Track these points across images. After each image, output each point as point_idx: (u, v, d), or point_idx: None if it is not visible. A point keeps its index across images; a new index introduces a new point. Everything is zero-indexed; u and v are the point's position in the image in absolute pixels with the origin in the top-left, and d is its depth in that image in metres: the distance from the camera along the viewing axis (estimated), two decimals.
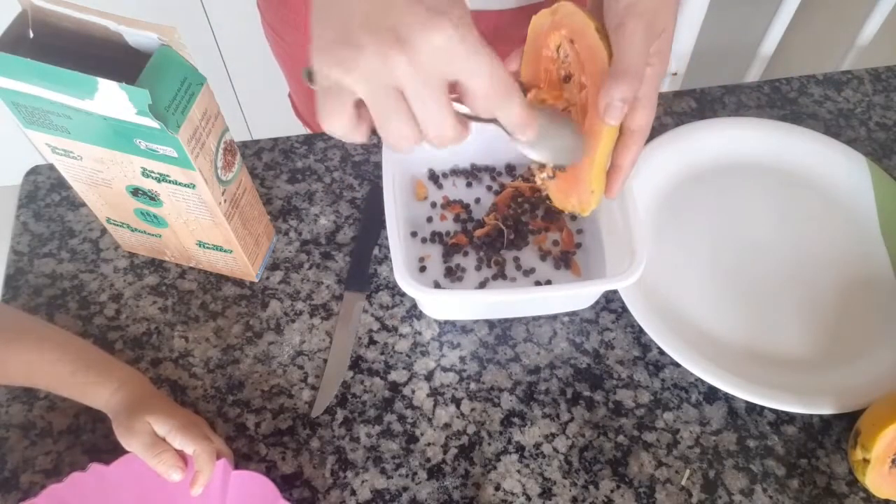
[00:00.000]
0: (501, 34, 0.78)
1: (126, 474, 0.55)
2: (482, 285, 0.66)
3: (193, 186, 0.55)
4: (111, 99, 0.47)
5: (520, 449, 0.60)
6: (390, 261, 0.62)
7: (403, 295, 0.67)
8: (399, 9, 0.36)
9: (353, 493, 0.58)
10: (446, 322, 0.66)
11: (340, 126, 0.41)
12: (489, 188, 0.72)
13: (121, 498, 0.55)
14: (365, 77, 0.37)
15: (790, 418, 0.62)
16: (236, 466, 0.59)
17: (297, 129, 0.99)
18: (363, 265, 0.68)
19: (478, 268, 0.67)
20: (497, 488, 0.58)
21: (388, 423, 0.61)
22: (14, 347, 0.55)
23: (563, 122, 0.51)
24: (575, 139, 0.50)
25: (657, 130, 0.76)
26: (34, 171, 0.75)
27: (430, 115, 0.39)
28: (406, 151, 0.42)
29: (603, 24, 0.48)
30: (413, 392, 0.63)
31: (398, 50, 0.36)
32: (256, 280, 0.68)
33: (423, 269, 0.67)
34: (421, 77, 0.37)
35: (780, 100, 0.81)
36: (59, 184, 0.74)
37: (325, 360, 0.64)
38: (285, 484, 0.58)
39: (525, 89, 0.53)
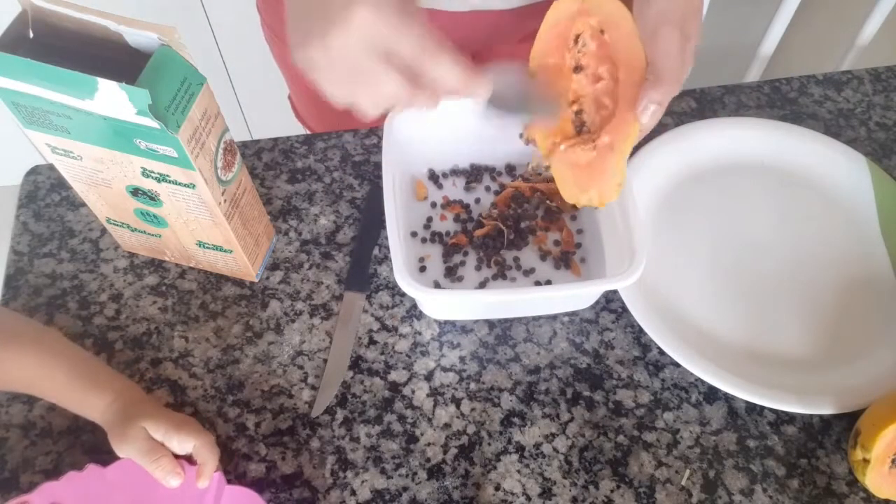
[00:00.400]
0: (502, 34, 0.78)
1: (123, 477, 0.55)
2: (482, 285, 0.66)
3: (193, 186, 0.55)
4: (111, 99, 0.47)
5: (520, 449, 0.60)
6: (390, 261, 0.62)
7: (403, 295, 0.67)
8: (323, 5, 0.41)
9: (353, 493, 0.58)
10: (446, 322, 0.66)
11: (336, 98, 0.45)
12: (489, 188, 0.72)
13: (116, 499, 0.55)
14: (319, 70, 0.43)
15: (790, 418, 0.62)
16: (236, 467, 0.59)
17: (297, 129, 0.99)
18: (363, 265, 0.68)
19: (478, 268, 0.67)
20: (497, 488, 0.58)
21: (388, 423, 0.61)
22: (11, 354, 0.55)
23: (535, 87, 0.52)
24: (550, 100, 0.52)
25: (657, 130, 0.76)
26: (34, 171, 0.75)
27: (380, 86, 0.43)
28: (375, 120, 0.46)
29: None
30: (413, 392, 0.63)
31: (332, 32, 0.41)
32: (256, 280, 0.68)
33: (423, 269, 0.67)
34: (359, 52, 0.41)
35: (780, 100, 0.81)
36: (59, 184, 0.74)
37: (325, 360, 0.64)
38: (285, 484, 0.58)
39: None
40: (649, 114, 0.50)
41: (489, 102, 0.48)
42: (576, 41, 0.52)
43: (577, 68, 0.53)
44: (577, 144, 0.54)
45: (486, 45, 0.84)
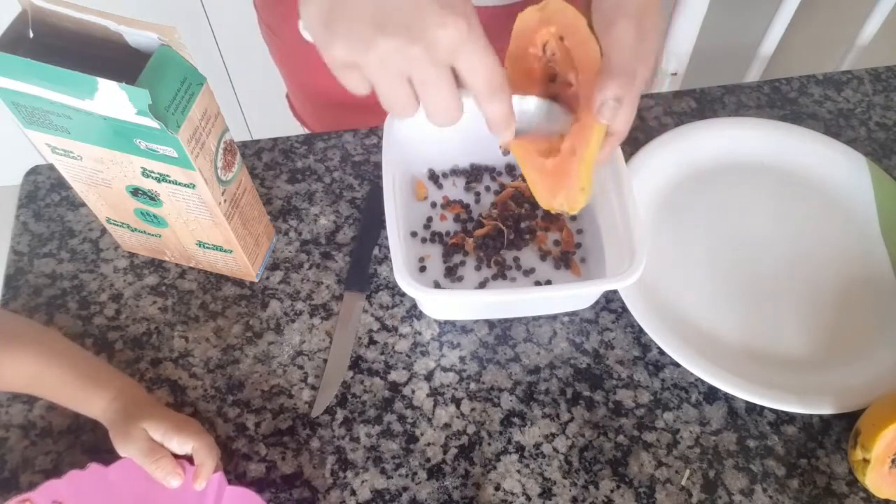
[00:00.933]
0: (494, 31, 0.78)
1: (124, 476, 0.55)
2: (482, 285, 0.66)
3: (193, 186, 0.55)
4: (111, 99, 0.47)
5: (520, 449, 0.60)
6: (390, 261, 0.62)
7: (403, 295, 0.67)
8: (412, 6, 0.40)
9: (353, 493, 0.58)
10: (446, 322, 0.66)
11: (360, 90, 0.45)
12: (489, 188, 0.72)
13: (118, 499, 0.55)
14: (376, 66, 0.42)
15: (790, 418, 0.62)
16: (236, 467, 0.59)
17: (297, 129, 0.99)
18: (363, 265, 0.68)
19: (478, 268, 0.67)
20: (497, 488, 0.58)
21: (388, 423, 0.61)
22: (12, 354, 0.55)
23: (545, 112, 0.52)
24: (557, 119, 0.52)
25: (657, 130, 0.76)
26: (34, 171, 0.75)
27: (436, 100, 0.43)
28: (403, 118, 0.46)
29: (591, 24, 0.49)
30: (413, 392, 0.63)
31: (412, 43, 0.40)
32: (256, 280, 0.68)
33: (423, 269, 0.67)
34: (433, 67, 0.41)
35: (780, 100, 0.81)
36: (59, 184, 0.74)
37: (325, 360, 0.64)
38: (285, 484, 0.58)
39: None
40: (608, 111, 0.47)
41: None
42: (544, 50, 0.52)
43: (553, 77, 0.52)
44: (544, 151, 0.53)
45: None
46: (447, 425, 0.61)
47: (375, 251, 0.70)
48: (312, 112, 0.94)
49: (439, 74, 0.42)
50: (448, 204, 0.71)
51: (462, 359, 0.64)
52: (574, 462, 0.60)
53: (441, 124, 0.45)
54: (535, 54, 0.52)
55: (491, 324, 0.66)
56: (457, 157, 0.73)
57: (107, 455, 0.55)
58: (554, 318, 0.66)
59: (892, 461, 0.56)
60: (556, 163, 0.52)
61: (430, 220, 0.70)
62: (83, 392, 0.56)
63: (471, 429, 0.61)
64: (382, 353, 0.64)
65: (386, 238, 0.68)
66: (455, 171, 0.73)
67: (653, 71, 0.49)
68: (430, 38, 0.40)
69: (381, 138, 0.76)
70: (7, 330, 0.57)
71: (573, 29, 0.49)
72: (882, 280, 0.68)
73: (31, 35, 0.50)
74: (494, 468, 0.59)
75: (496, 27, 0.77)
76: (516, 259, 0.68)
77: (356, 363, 0.64)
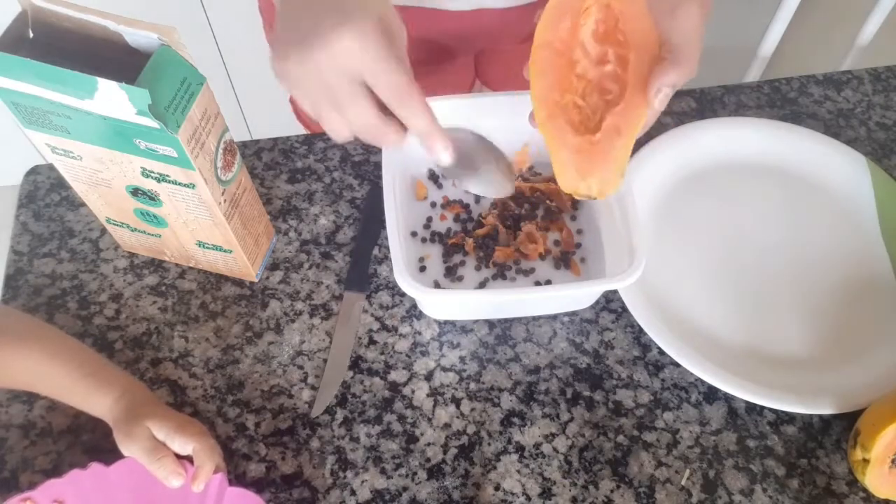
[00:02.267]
0: (505, 33, 0.78)
1: (126, 476, 0.55)
2: (482, 285, 0.66)
3: (193, 186, 0.55)
4: (111, 99, 0.47)
5: (520, 449, 0.60)
6: (390, 261, 0.62)
7: (403, 295, 0.67)
8: (315, 17, 0.42)
9: (353, 493, 0.58)
10: (446, 322, 0.66)
11: (309, 111, 0.46)
12: None
13: (119, 499, 0.55)
14: (292, 81, 0.44)
15: (790, 418, 0.62)
16: (236, 467, 0.59)
17: (297, 129, 0.99)
18: (363, 265, 0.68)
19: (478, 268, 0.67)
20: (497, 488, 0.58)
21: (388, 423, 0.61)
22: (18, 352, 0.55)
23: (491, 155, 0.52)
24: (504, 175, 0.52)
25: (657, 130, 0.76)
26: (34, 171, 0.75)
27: (349, 113, 0.44)
28: (344, 142, 0.47)
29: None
30: (413, 392, 0.63)
31: (315, 49, 0.41)
32: (256, 280, 0.68)
33: (423, 269, 0.67)
34: (335, 76, 0.42)
35: (780, 100, 0.81)
36: (59, 184, 0.74)
37: (325, 360, 0.64)
38: (285, 484, 0.58)
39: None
40: (664, 98, 0.47)
41: (447, 167, 0.49)
42: (582, 17, 0.49)
43: (583, 54, 0.50)
44: (581, 128, 0.51)
45: (489, 44, 0.84)
46: (447, 425, 0.61)
47: (375, 251, 0.70)
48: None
49: (353, 90, 0.42)
50: (448, 204, 0.71)
51: (462, 359, 0.64)
52: (574, 462, 0.60)
53: (372, 142, 0.46)
54: (573, 22, 0.49)
55: (491, 324, 0.66)
56: None
57: (107, 455, 0.55)
58: (554, 318, 0.66)
59: (892, 461, 0.56)
60: (597, 142, 0.49)
61: (430, 219, 0.70)
62: (88, 390, 0.56)
63: (471, 429, 0.61)
64: (382, 353, 0.64)
65: (386, 238, 0.68)
66: None
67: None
68: (329, 44, 0.41)
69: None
70: (13, 327, 0.57)
71: (630, 1, 0.48)
72: (882, 280, 0.68)
73: (31, 35, 0.50)
74: (494, 468, 0.59)
75: (507, 29, 0.77)
76: (516, 259, 0.68)
77: (356, 363, 0.64)
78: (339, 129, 0.45)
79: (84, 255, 0.69)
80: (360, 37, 0.41)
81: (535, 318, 0.66)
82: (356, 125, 0.45)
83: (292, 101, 0.99)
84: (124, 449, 0.54)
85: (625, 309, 0.65)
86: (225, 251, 0.64)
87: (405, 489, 0.58)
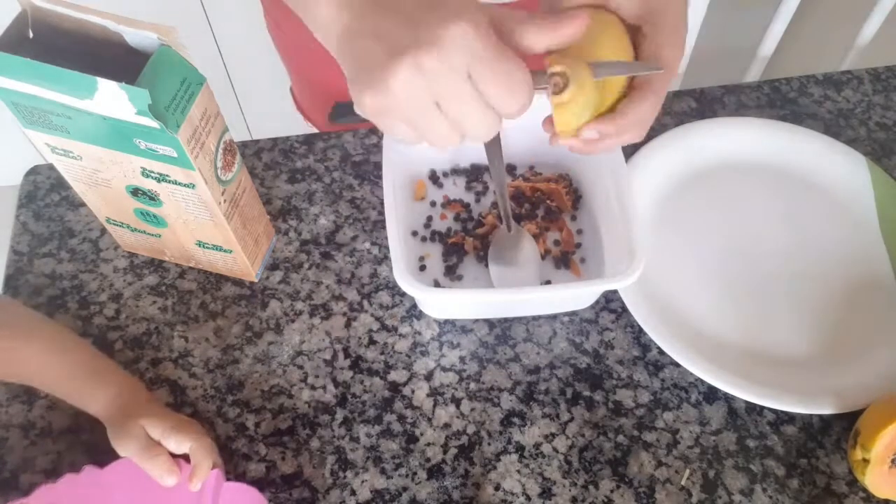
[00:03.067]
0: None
1: (120, 478, 0.55)
2: (482, 285, 0.66)
3: (193, 186, 0.55)
4: (111, 99, 0.47)
5: (520, 449, 0.60)
6: (390, 260, 0.62)
7: (403, 295, 0.67)
8: (414, 24, 0.38)
9: (353, 493, 0.58)
10: (446, 322, 0.66)
11: (411, 138, 0.44)
12: (489, 187, 0.72)
13: (114, 500, 0.55)
14: (402, 97, 0.39)
15: (790, 418, 0.62)
16: (235, 467, 0.59)
17: (298, 128, 0.99)
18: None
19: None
20: (497, 488, 0.58)
21: (388, 423, 0.61)
22: (17, 344, 0.55)
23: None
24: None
25: (657, 130, 0.76)
26: (34, 171, 0.75)
27: (463, 109, 0.40)
28: (454, 147, 0.44)
29: None
30: (413, 392, 0.63)
31: (424, 53, 0.38)
32: (256, 280, 0.68)
33: (423, 268, 0.67)
34: (454, 75, 0.38)
35: (780, 100, 0.81)
36: (59, 184, 0.74)
37: (325, 360, 0.64)
38: (285, 484, 0.58)
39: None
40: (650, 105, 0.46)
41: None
42: None
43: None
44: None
45: None
46: (447, 425, 0.61)
47: (375, 251, 0.70)
48: (316, 105, 0.94)
49: (463, 85, 0.39)
50: (448, 203, 0.71)
51: (462, 359, 0.64)
52: (574, 462, 0.60)
53: (483, 139, 0.43)
54: None
55: (491, 324, 0.66)
56: (457, 157, 0.73)
57: (107, 455, 0.55)
58: (554, 317, 0.66)
59: (892, 461, 0.56)
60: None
61: (430, 219, 0.70)
62: (85, 388, 0.56)
63: (471, 429, 0.61)
64: (382, 353, 0.64)
65: (386, 238, 0.68)
66: (455, 171, 0.73)
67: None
68: (440, 40, 0.38)
69: (381, 138, 0.76)
70: (14, 321, 0.57)
71: None
72: (882, 280, 0.68)
73: (31, 35, 0.50)
74: (494, 468, 0.59)
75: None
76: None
77: (356, 363, 0.64)
78: (448, 135, 0.42)
79: (84, 255, 0.69)
80: (473, 26, 0.38)
81: (535, 318, 0.66)
82: (469, 122, 0.41)
83: (293, 93, 0.99)
84: (118, 448, 0.54)
85: (625, 309, 0.65)
86: (225, 251, 0.64)
87: (405, 489, 0.58)
